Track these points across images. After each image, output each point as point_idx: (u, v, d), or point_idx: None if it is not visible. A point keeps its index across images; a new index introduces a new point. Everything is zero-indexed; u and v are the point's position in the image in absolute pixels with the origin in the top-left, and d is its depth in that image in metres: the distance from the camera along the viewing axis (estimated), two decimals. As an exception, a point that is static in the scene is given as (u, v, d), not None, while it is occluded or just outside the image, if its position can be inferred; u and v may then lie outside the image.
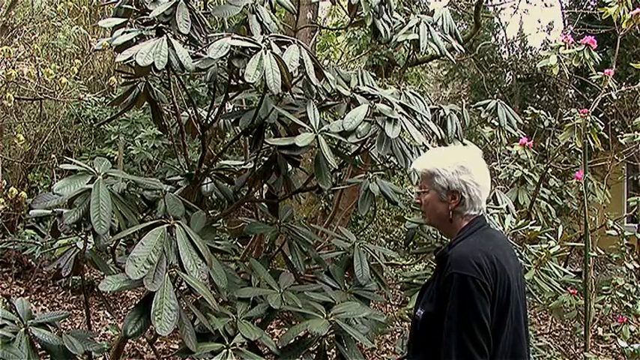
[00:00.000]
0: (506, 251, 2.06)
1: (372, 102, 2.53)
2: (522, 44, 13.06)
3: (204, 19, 2.64)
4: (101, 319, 6.34)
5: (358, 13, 3.30)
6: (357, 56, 9.19)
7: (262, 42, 2.37)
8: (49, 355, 2.41)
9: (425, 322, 2.01)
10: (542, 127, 5.71)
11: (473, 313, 1.86)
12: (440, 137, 2.88)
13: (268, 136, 2.83)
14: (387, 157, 2.74)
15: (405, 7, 3.85)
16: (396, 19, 3.51)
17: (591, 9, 10.67)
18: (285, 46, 2.41)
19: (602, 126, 4.52)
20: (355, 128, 2.40)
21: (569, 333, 5.29)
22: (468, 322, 1.86)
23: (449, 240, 2.17)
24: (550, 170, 5.37)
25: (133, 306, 6.39)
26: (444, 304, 1.91)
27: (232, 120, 2.99)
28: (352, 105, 2.62)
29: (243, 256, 3.31)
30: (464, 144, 3.25)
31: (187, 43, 2.61)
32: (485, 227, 2.10)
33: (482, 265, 1.90)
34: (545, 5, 12.06)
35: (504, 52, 13.00)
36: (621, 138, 4.89)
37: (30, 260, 7.03)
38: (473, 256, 1.92)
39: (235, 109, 3.32)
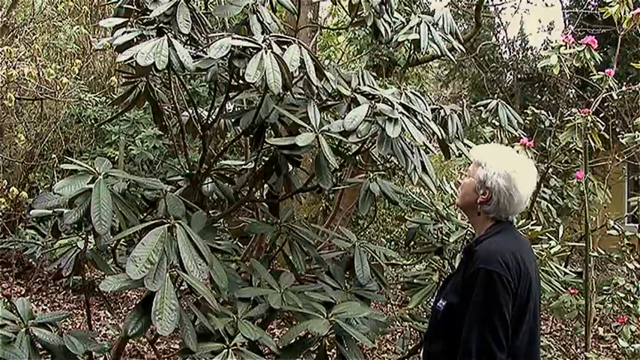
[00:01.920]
0: (529, 253, 2.13)
1: (373, 102, 2.52)
2: (523, 44, 13.05)
3: (205, 19, 2.64)
4: (102, 319, 6.35)
5: (359, 12, 3.30)
6: (358, 56, 9.19)
7: (263, 42, 2.37)
8: (49, 355, 2.41)
9: (446, 313, 2.05)
10: (542, 127, 5.71)
11: (497, 308, 1.91)
12: (440, 137, 2.88)
13: (269, 136, 2.83)
14: (388, 156, 2.74)
15: (406, 7, 3.83)
16: (397, 18, 3.51)
17: (592, 9, 10.67)
18: (285, 46, 2.41)
19: (602, 126, 4.51)
20: (356, 128, 2.40)
21: (569, 333, 5.29)
22: (491, 317, 1.91)
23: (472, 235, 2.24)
24: (551, 170, 5.36)
25: (133, 306, 6.39)
26: (467, 297, 1.96)
27: (233, 120, 2.99)
28: (353, 105, 2.62)
29: (243, 256, 3.30)
30: (464, 144, 3.25)
31: (188, 43, 2.61)
32: (512, 228, 2.16)
33: (508, 263, 1.96)
34: (546, 5, 12.02)
35: (505, 51, 13.00)
36: (622, 138, 4.88)
37: (31, 260, 7.03)
38: (500, 253, 1.98)
39: (236, 109, 3.31)
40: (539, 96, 12.39)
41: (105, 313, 6.45)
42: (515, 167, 2.08)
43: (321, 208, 8.10)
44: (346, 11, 3.58)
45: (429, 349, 2.18)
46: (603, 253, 4.46)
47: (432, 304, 2.55)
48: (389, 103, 2.50)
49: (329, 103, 2.77)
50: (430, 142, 2.89)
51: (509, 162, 2.10)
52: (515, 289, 1.94)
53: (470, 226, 3.02)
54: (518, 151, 4.80)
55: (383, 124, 2.41)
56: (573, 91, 8.82)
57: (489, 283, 1.92)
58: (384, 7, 3.29)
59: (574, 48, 4.45)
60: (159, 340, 5.06)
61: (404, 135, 2.53)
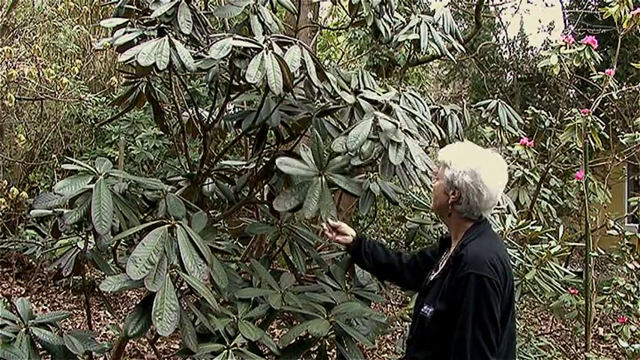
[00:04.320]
0: (506, 252, 2.14)
1: (376, 116, 2.48)
2: (523, 44, 13.05)
3: (206, 19, 2.65)
4: (102, 319, 6.35)
5: (359, 13, 3.30)
6: (358, 56, 9.20)
7: (264, 42, 2.37)
8: (49, 355, 2.41)
9: (434, 321, 2.04)
10: (542, 127, 5.71)
11: (488, 313, 1.91)
12: (440, 137, 2.88)
13: (270, 137, 2.84)
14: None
15: (406, 7, 3.83)
16: (397, 19, 3.51)
17: (592, 9, 10.67)
18: (286, 47, 2.41)
19: (602, 126, 4.51)
20: (359, 147, 2.38)
21: (569, 333, 5.30)
22: (483, 321, 1.91)
23: (446, 234, 2.27)
24: (551, 170, 5.37)
25: (133, 306, 6.38)
26: (456, 303, 1.95)
27: (235, 122, 2.99)
28: (356, 110, 2.63)
29: (243, 256, 3.30)
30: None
31: (189, 43, 2.61)
32: (490, 229, 2.16)
33: (496, 266, 1.96)
34: (546, 5, 12.08)
35: (505, 51, 13.00)
36: (622, 138, 4.89)
37: (31, 260, 7.03)
38: (488, 257, 1.97)
39: (236, 110, 3.32)
40: (539, 96, 12.40)
41: (105, 313, 6.45)
42: (479, 163, 2.07)
43: (322, 208, 8.07)
44: (346, 11, 3.58)
45: (414, 355, 2.15)
46: (603, 253, 4.47)
47: None
48: (393, 118, 2.48)
49: (331, 106, 2.77)
50: (430, 142, 2.89)
51: (473, 159, 2.09)
52: (502, 291, 1.95)
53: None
54: (518, 151, 4.83)
55: (386, 146, 2.38)
56: (573, 91, 8.83)
57: (480, 287, 1.92)
58: (384, 7, 3.29)
59: (574, 48, 4.46)
60: (159, 340, 5.06)
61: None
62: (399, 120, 2.48)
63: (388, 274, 2.59)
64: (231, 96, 2.86)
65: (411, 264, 2.46)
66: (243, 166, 3.30)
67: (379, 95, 2.73)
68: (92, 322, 4.62)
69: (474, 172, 2.05)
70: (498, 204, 3.37)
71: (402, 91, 2.91)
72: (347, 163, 2.53)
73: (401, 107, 2.54)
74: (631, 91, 5.71)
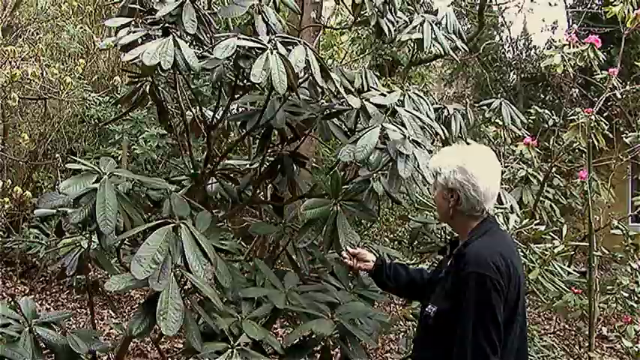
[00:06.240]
0: (515, 251, 2.12)
1: (384, 126, 2.48)
2: (526, 43, 13.03)
3: (210, 18, 2.65)
4: (105, 318, 6.36)
5: (362, 12, 3.30)
6: (361, 55, 9.20)
7: (268, 42, 2.37)
8: (53, 354, 2.41)
9: (437, 319, 2.03)
10: (546, 126, 5.71)
11: (489, 313, 1.90)
12: (444, 137, 2.88)
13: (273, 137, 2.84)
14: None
15: (409, 7, 3.83)
16: (400, 18, 3.50)
17: (596, 8, 10.65)
18: (291, 47, 2.41)
19: (606, 125, 4.50)
20: (366, 158, 2.38)
21: (573, 332, 5.29)
22: (485, 321, 1.89)
23: (454, 237, 2.24)
24: (554, 169, 5.35)
25: (136, 305, 6.39)
26: (458, 302, 1.94)
27: (239, 122, 2.99)
28: (362, 112, 2.62)
29: (246, 255, 3.31)
30: (468, 143, 3.25)
31: (193, 43, 2.61)
32: (497, 228, 2.14)
33: (499, 266, 1.94)
34: (550, 4, 12.00)
35: (508, 51, 12.98)
36: (626, 137, 4.88)
37: (34, 259, 7.04)
38: (490, 256, 1.96)
39: (239, 109, 3.32)
40: (542, 95, 12.38)
41: (108, 312, 6.46)
42: (463, 158, 2.07)
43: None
44: (349, 11, 3.58)
45: (419, 354, 2.16)
46: (607, 252, 4.45)
47: None
48: (398, 118, 2.48)
49: (336, 108, 2.76)
50: (433, 142, 2.89)
51: (457, 156, 2.09)
52: (505, 291, 1.93)
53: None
54: (521, 151, 4.82)
55: (394, 156, 2.38)
56: (577, 90, 8.81)
57: (481, 286, 1.90)
58: (387, 6, 3.28)
59: (577, 47, 4.44)
60: (162, 340, 5.06)
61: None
62: (405, 126, 2.48)
63: (411, 293, 2.57)
64: (236, 96, 2.86)
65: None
66: (247, 166, 3.30)
67: (384, 96, 2.73)
68: (96, 321, 4.62)
69: (462, 168, 2.05)
70: (501, 203, 3.38)
71: (407, 90, 2.91)
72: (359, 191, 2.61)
73: (405, 110, 2.53)
74: (635, 90, 5.69)
